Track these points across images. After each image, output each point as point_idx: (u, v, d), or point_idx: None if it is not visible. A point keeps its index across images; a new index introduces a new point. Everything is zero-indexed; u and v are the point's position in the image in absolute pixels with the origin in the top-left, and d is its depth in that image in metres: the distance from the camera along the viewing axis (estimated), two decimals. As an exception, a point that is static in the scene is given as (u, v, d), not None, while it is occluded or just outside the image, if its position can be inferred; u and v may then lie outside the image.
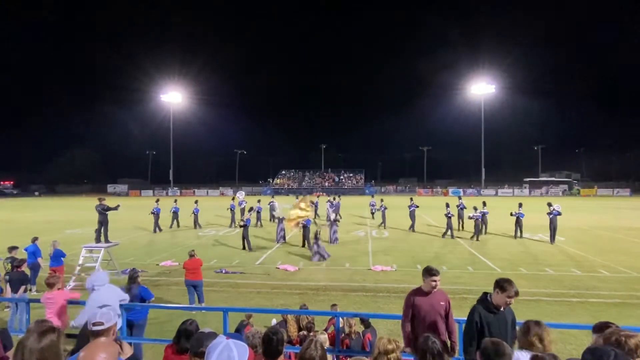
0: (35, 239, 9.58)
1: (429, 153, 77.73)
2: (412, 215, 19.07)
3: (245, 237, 14.26)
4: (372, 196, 37.19)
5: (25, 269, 7.54)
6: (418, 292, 4.16)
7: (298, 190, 62.71)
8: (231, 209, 21.33)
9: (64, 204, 42.29)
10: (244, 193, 27.57)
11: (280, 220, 16.26)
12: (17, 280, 6.91)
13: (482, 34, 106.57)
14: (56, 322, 4.77)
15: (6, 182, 72.84)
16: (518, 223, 16.58)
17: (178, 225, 20.39)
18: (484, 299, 3.65)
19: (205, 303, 8.04)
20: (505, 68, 69.04)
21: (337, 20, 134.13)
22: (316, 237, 12.64)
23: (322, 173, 73.58)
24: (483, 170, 63.02)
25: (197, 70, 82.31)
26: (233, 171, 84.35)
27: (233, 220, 20.99)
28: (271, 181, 72.87)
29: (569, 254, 13.24)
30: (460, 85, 65.14)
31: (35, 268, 9.17)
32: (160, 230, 19.20)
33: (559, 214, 15.60)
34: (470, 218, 16.76)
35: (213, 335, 2.17)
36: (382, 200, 22.31)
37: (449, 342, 4.05)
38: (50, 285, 5.27)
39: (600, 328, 2.76)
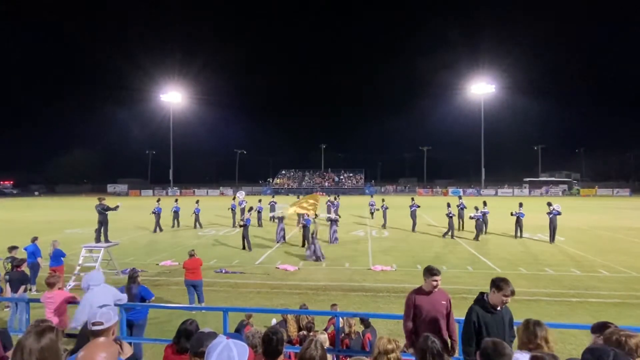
0: (35, 239, 9.59)
1: (429, 153, 77.71)
2: (414, 215, 19.07)
3: (245, 236, 14.26)
4: (372, 196, 37.15)
5: (25, 268, 7.55)
6: (419, 291, 4.16)
7: (298, 190, 62.78)
8: (232, 209, 21.35)
9: (64, 204, 42.27)
10: (244, 193, 27.60)
11: (281, 220, 16.25)
12: (17, 280, 6.93)
13: (482, 34, 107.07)
14: (56, 321, 4.77)
15: (6, 182, 72.77)
16: (518, 223, 16.59)
17: (178, 225, 20.40)
18: (481, 299, 3.65)
19: (205, 303, 8.04)
20: (505, 68, 69.18)
21: (337, 20, 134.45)
22: (313, 237, 12.63)
23: (322, 173, 73.60)
24: (483, 170, 62.99)
25: (197, 70, 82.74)
26: (233, 171, 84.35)
27: (235, 220, 21.00)
28: (271, 181, 72.82)
29: (569, 254, 13.25)
30: (460, 85, 65.27)
31: (34, 268, 9.18)
32: (161, 230, 19.19)
33: (559, 213, 15.61)
34: (471, 218, 16.76)
35: (213, 335, 2.16)
36: (383, 200, 22.31)
37: (449, 342, 4.06)
38: (50, 285, 5.28)
39: (598, 328, 2.76)
